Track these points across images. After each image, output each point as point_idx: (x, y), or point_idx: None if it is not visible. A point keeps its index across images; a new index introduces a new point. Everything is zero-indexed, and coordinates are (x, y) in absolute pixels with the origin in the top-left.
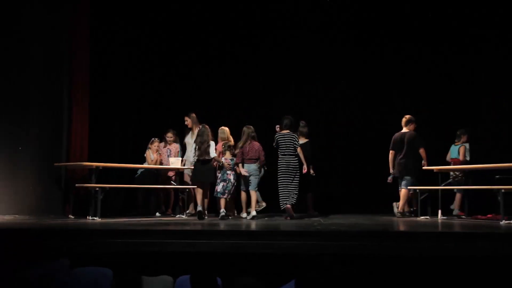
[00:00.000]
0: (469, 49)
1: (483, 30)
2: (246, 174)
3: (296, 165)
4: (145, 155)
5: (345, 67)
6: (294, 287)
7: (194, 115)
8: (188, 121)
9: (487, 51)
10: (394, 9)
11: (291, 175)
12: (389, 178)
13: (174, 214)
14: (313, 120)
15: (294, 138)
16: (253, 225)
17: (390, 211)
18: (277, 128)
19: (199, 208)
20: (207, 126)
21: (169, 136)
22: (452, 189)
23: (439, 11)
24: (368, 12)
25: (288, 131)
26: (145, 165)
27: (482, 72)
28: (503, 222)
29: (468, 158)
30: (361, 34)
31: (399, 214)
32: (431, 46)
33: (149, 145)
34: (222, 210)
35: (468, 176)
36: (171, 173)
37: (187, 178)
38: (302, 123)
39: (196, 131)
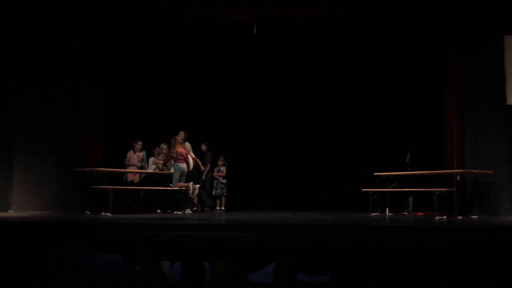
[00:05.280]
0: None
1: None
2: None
3: None
4: (152, 162)
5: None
6: (274, 268)
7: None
8: (204, 147)
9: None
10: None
11: None
12: None
13: (172, 211)
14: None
15: None
16: (235, 220)
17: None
18: (203, 146)
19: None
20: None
21: (139, 144)
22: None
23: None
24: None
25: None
26: (149, 170)
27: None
28: (437, 218)
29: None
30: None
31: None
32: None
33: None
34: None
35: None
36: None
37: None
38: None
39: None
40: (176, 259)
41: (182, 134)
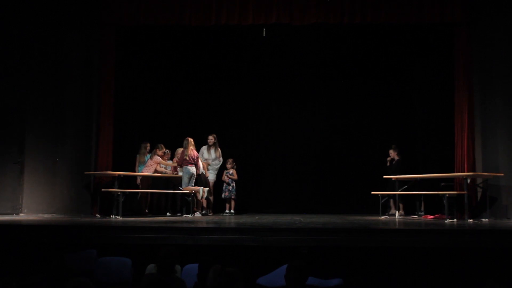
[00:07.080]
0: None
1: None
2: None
3: None
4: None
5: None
6: (286, 271)
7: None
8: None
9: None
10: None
11: None
12: None
13: (182, 214)
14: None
15: None
16: (245, 223)
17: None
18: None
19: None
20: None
21: (162, 152)
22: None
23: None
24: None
25: None
26: (157, 174)
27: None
28: (447, 221)
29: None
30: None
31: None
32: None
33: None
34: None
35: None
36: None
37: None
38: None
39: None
40: (186, 262)
41: (213, 138)
